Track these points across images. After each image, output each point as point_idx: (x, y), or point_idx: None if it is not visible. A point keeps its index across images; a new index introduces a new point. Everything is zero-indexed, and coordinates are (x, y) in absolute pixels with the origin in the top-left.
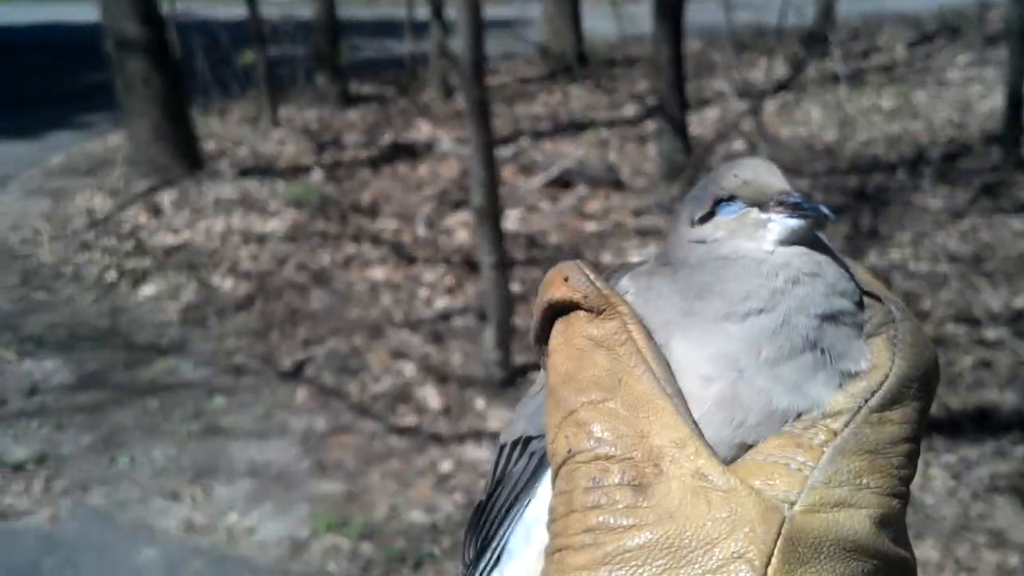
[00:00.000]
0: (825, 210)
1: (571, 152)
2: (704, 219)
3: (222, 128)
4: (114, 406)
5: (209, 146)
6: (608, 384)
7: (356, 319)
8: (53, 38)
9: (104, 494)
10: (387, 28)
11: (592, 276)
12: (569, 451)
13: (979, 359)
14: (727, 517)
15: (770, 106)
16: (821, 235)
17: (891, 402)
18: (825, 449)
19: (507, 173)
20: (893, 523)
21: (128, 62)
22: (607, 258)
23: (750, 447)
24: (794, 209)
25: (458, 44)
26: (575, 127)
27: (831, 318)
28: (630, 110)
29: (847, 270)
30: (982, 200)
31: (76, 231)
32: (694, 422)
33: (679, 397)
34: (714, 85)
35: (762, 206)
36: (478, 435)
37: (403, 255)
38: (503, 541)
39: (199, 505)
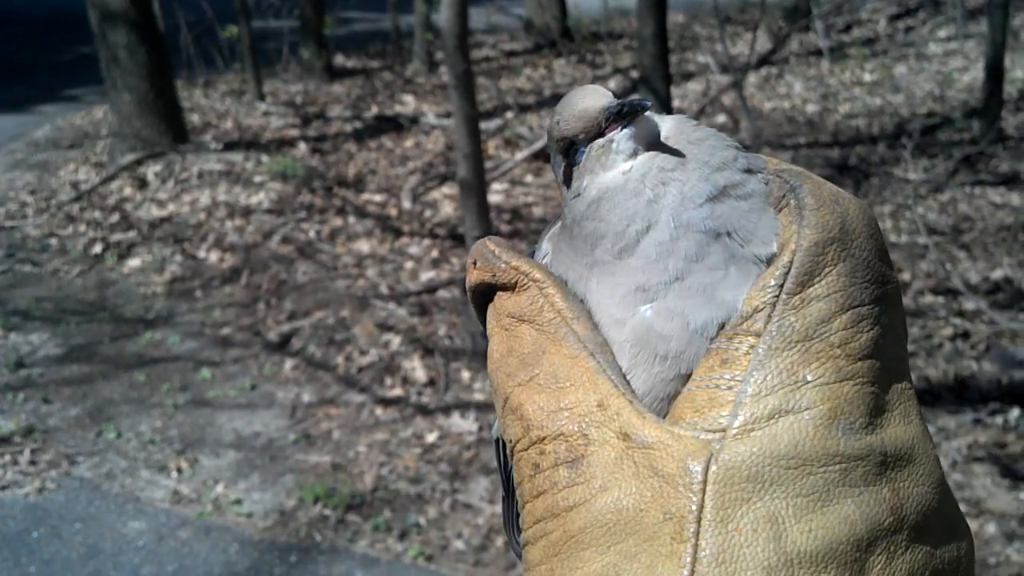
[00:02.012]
0: (637, 100)
1: None
2: (567, 176)
3: (207, 101)
4: (101, 379)
5: (194, 119)
6: (533, 358)
7: (342, 292)
8: (36, 10)
9: (91, 466)
10: (372, 1)
11: (499, 250)
12: (511, 442)
13: (957, 330)
14: (652, 476)
15: (753, 80)
16: (686, 125)
17: (807, 276)
18: (752, 356)
19: (492, 147)
20: (854, 412)
21: (113, 35)
22: None
23: (688, 377)
24: (621, 117)
25: (442, 17)
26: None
27: (721, 196)
28: (614, 84)
29: (718, 145)
30: (961, 172)
31: (61, 204)
32: (621, 374)
33: (604, 351)
34: (698, 59)
35: (598, 134)
36: (464, 406)
37: (388, 228)
38: None
39: (186, 477)
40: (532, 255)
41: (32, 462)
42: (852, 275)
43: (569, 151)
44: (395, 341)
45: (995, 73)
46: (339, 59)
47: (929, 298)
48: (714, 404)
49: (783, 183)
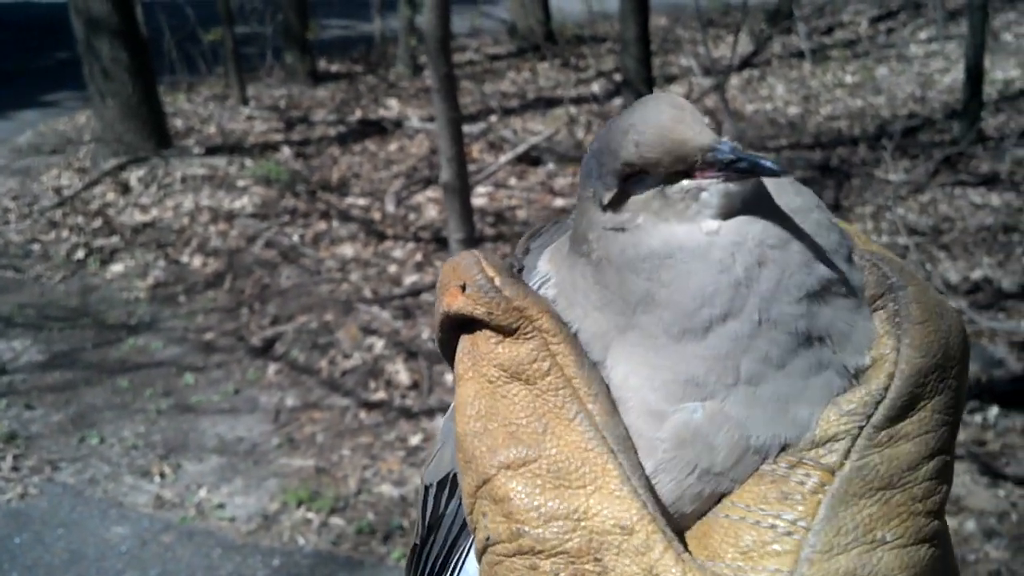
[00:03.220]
0: (767, 163)
1: (539, 129)
2: (615, 202)
3: (190, 106)
4: (84, 385)
5: (177, 124)
6: (530, 436)
7: (326, 296)
8: (16, 15)
9: (74, 472)
10: (356, 6)
11: (497, 278)
12: (488, 539)
13: None
14: None
15: (735, 82)
16: (777, 184)
17: (902, 410)
18: (821, 497)
19: (476, 150)
20: None
21: (95, 40)
22: None
23: (723, 495)
24: (728, 169)
25: (425, 19)
26: (543, 104)
27: (821, 294)
28: (598, 87)
29: (824, 222)
30: (942, 173)
31: (44, 209)
32: (646, 483)
33: (626, 447)
34: (680, 61)
35: (685, 172)
36: (447, 409)
37: (372, 232)
38: None
39: (169, 482)
40: (519, 272)
41: (15, 468)
42: (946, 412)
43: (631, 177)
44: (379, 345)
45: (975, 74)
46: (323, 63)
47: None
48: (767, 551)
49: (881, 278)
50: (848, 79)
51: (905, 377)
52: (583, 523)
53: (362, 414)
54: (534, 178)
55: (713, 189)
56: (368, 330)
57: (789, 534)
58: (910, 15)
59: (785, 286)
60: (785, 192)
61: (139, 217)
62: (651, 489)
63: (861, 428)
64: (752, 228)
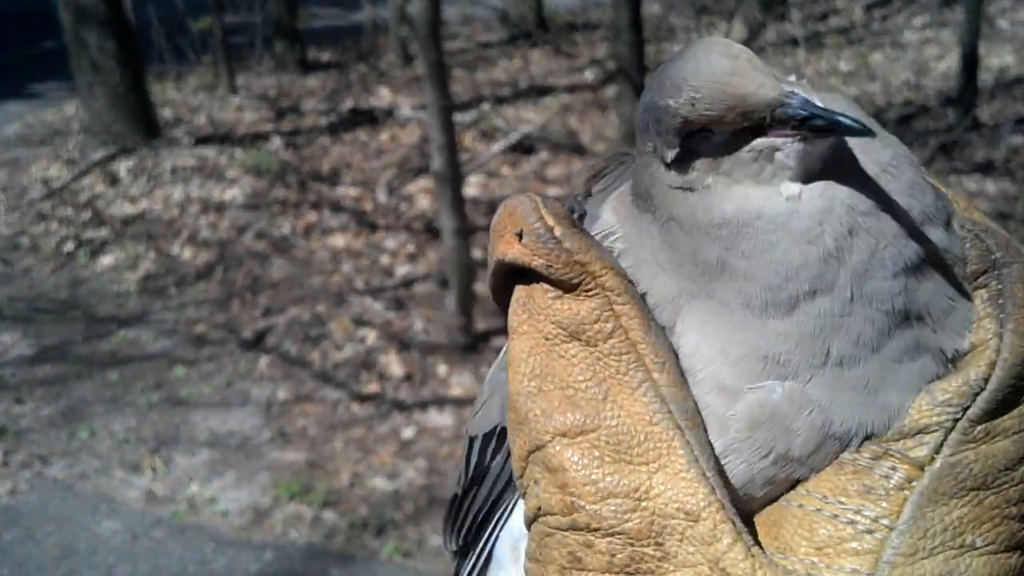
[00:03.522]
0: (848, 120)
1: (532, 118)
2: (680, 161)
3: (179, 96)
4: (74, 378)
5: (166, 114)
6: (589, 402)
7: (317, 287)
8: (2, 6)
9: (64, 466)
10: None
11: (558, 228)
12: (539, 508)
13: None
14: None
15: None
16: (853, 146)
17: (1003, 404)
18: (907, 493)
19: (468, 139)
20: None
21: (83, 29)
22: None
23: (797, 481)
24: (803, 127)
25: (414, 6)
26: (536, 92)
27: (920, 267)
28: (590, 75)
29: (918, 182)
30: (937, 161)
31: (32, 201)
32: (715, 463)
33: (694, 423)
34: (674, 49)
35: (754, 129)
36: (441, 401)
37: (364, 222)
38: (489, 545)
39: (160, 476)
40: (580, 220)
41: (4, 463)
42: None
43: (693, 135)
44: (371, 336)
45: (970, 61)
46: (313, 52)
47: None
48: (845, 549)
49: (985, 252)
50: (843, 66)
51: (1008, 367)
52: (644, 503)
53: (355, 407)
54: (527, 167)
55: (789, 149)
56: (360, 321)
57: (870, 532)
58: (905, 1)
59: (880, 258)
60: (872, 146)
61: (128, 208)
62: (720, 471)
63: (956, 421)
64: (839, 193)
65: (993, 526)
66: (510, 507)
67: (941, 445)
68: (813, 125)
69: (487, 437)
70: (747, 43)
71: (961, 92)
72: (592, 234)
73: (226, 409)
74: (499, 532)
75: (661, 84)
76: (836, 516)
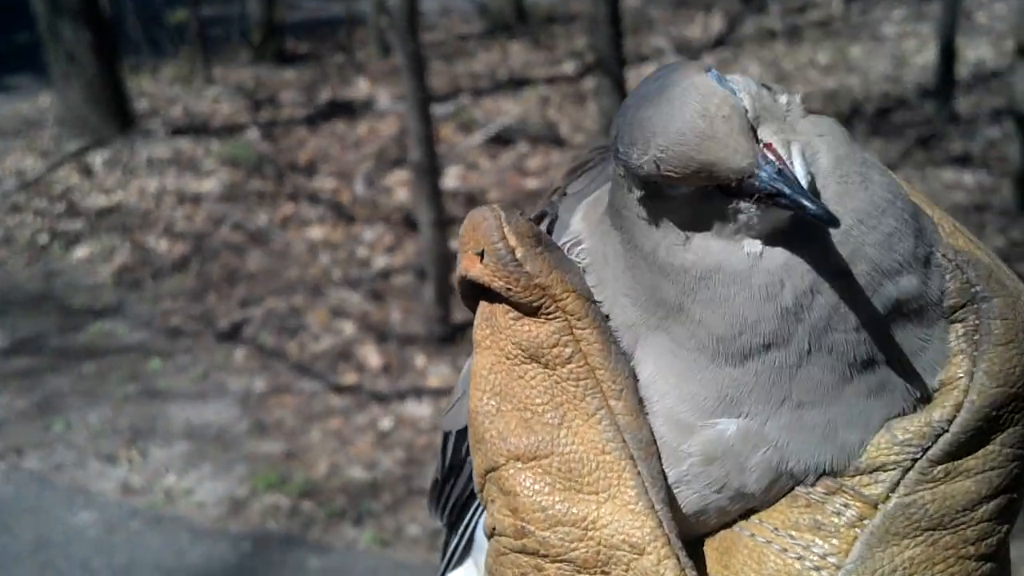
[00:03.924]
0: (815, 208)
1: (510, 109)
2: (645, 203)
3: (154, 87)
4: (49, 371)
5: (141, 105)
6: (544, 427)
7: (295, 279)
8: None
9: (39, 458)
10: None
11: (519, 249)
12: (491, 528)
13: None
14: None
15: (708, 62)
16: (849, 171)
17: (967, 444)
18: (858, 531)
19: (446, 131)
20: None
21: (57, 21)
22: None
23: (751, 511)
24: (768, 202)
25: None
26: (514, 84)
27: (890, 316)
28: (569, 67)
29: (899, 224)
30: (915, 153)
31: (6, 193)
32: (665, 494)
33: (648, 454)
34: (652, 42)
35: (721, 187)
36: (418, 392)
37: (341, 214)
38: (470, 528)
39: (136, 467)
40: (551, 225)
41: None
42: (1018, 445)
43: (657, 183)
44: (348, 328)
45: (948, 55)
46: (290, 43)
47: None
48: None
49: (965, 285)
50: (821, 59)
51: (975, 409)
52: (591, 533)
53: (332, 398)
54: (506, 159)
55: (752, 211)
56: (338, 313)
57: (818, 569)
58: None
59: (843, 313)
60: (849, 189)
61: (103, 200)
62: (670, 503)
63: (915, 460)
64: (803, 252)
65: (947, 567)
66: None
67: (897, 484)
68: (779, 203)
69: (460, 434)
70: (725, 37)
71: (939, 85)
72: (560, 241)
73: (203, 401)
74: (479, 517)
75: (630, 126)
76: (785, 550)
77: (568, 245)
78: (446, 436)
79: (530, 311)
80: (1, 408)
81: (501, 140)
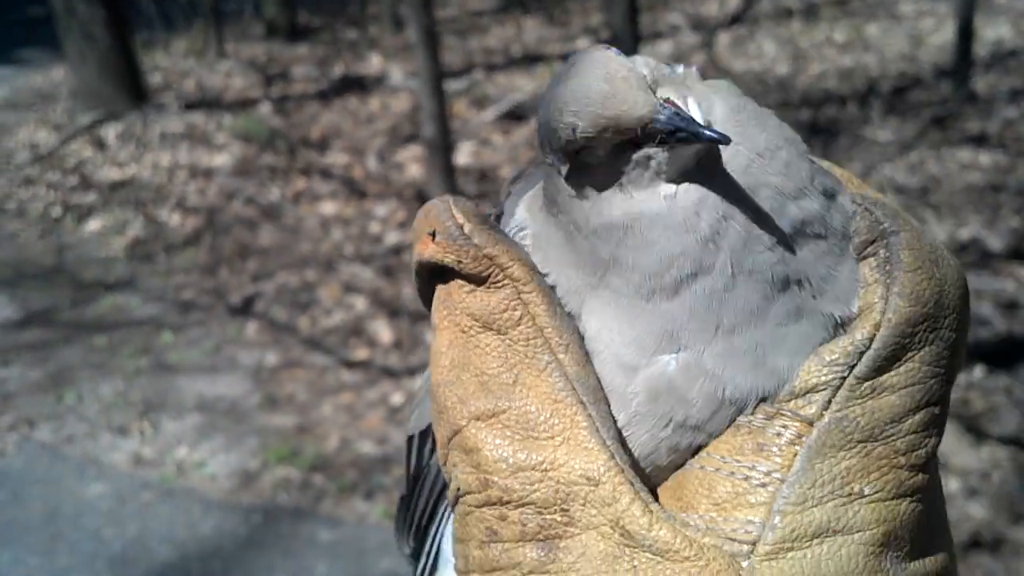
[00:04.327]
0: (708, 131)
1: (524, 86)
2: (571, 175)
3: (167, 61)
4: (61, 343)
5: (154, 79)
6: (500, 387)
7: (307, 254)
8: None
9: (51, 430)
10: None
11: (467, 225)
12: (459, 490)
13: None
14: None
15: (723, 40)
16: (746, 117)
17: (888, 361)
18: (797, 448)
19: (460, 107)
20: (906, 535)
21: None
22: None
23: (700, 447)
24: (670, 140)
25: None
26: (528, 60)
27: (795, 237)
28: (583, 43)
29: (792, 160)
30: (931, 133)
31: (20, 166)
32: (618, 435)
33: (597, 398)
34: (667, 18)
35: (630, 142)
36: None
37: (354, 189)
38: (435, 543)
39: (148, 439)
40: (497, 218)
41: None
42: (936, 363)
43: (579, 152)
44: (360, 303)
45: (965, 34)
46: (303, 17)
47: None
48: (740, 503)
49: (873, 223)
50: (837, 37)
51: (892, 326)
52: (550, 473)
53: (343, 372)
54: (518, 135)
55: (661, 156)
56: (349, 288)
57: (763, 485)
58: None
59: (755, 235)
60: (747, 131)
61: (116, 174)
62: (622, 441)
63: (843, 379)
64: (712, 185)
65: (881, 475)
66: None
67: (829, 402)
68: (678, 137)
69: (423, 435)
70: (743, 13)
71: (956, 64)
72: (507, 230)
73: (214, 374)
74: (443, 528)
75: (547, 105)
76: (733, 473)
77: (514, 232)
78: (409, 442)
79: (480, 281)
80: (13, 380)
81: (514, 116)
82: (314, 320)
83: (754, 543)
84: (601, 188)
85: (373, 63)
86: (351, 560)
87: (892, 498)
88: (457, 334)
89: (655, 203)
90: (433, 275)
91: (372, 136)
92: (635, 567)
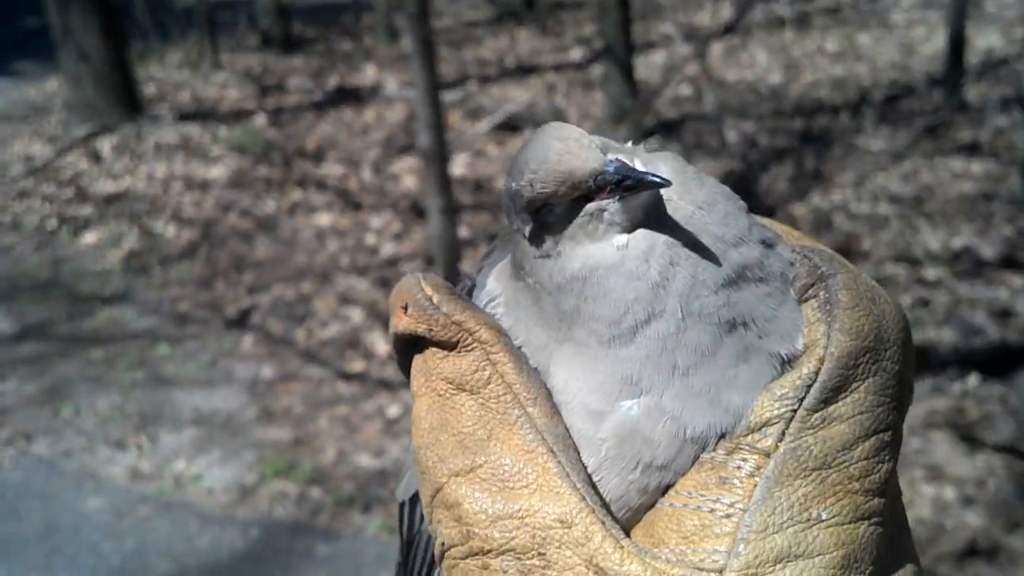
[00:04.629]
0: (652, 176)
1: (518, 96)
2: (534, 235)
3: (162, 72)
4: (57, 356)
5: (149, 90)
6: (476, 443)
7: (302, 266)
8: None
9: (48, 444)
10: None
11: (435, 296)
12: (443, 544)
13: (918, 298)
14: None
15: (716, 49)
16: (687, 178)
17: (834, 392)
18: (757, 479)
19: (454, 118)
20: (867, 557)
21: (66, 6)
22: None
23: (669, 487)
24: (619, 189)
25: None
26: (522, 71)
27: (737, 281)
28: (577, 54)
29: (731, 211)
30: (923, 142)
31: (15, 178)
32: (588, 479)
33: (566, 447)
34: (660, 28)
35: (585, 197)
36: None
37: (349, 201)
38: None
39: (145, 453)
40: (470, 291)
41: None
42: (881, 393)
43: (540, 210)
44: (356, 315)
45: (957, 42)
46: (298, 28)
47: (890, 267)
48: (707, 534)
49: (812, 268)
50: (830, 47)
51: (835, 359)
52: (526, 520)
53: (340, 385)
54: (513, 146)
55: (612, 207)
56: (345, 300)
57: (728, 516)
58: None
59: (701, 280)
60: (689, 189)
61: (111, 186)
62: (592, 485)
63: (794, 411)
64: (659, 234)
65: (836, 500)
66: None
67: (783, 434)
68: (625, 185)
69: (413, 500)
70: (735, 23)
71: (948, 73)
72: (479, 301)
73: (211, 387)
74: None
75: (511, 171)
76: (699, 508)
77: (485, 301)
78: (401, 508)
79: (451, 346)
80: (10, 394)
81: (509, 127)
82: (310, 332)
83: (721, 571)
84: (561, 244)
85: (368, 74)
86: (349, 573)
87: (850, 522)
88: (434, 398)
89: (610, 254)
90: (409, 346)
91: (367, 147)
92: None
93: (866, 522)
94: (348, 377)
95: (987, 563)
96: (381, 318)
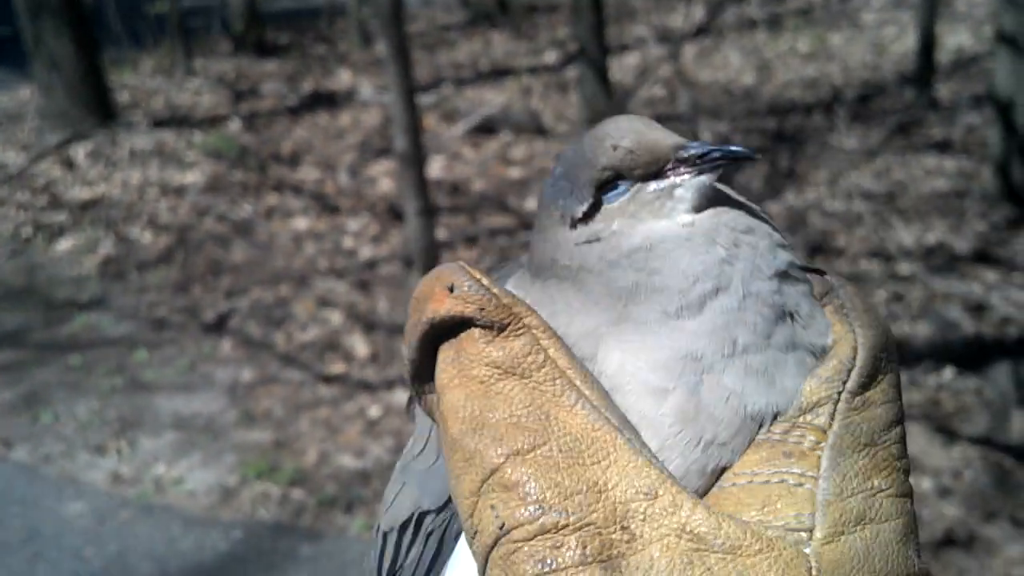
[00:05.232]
0: (739, 149)
1: (493, 99)
2: (589, 214)
3: (135, 79)
4: (35, 363)
5: (123, 97)
6: (534, 424)
7: (280, 269)
8: None
9: (28, 450)
10: None
11: (484, 279)
12: (502, 527)
13: (892, 293)
14: None
15: (689, 51)
16: (726, 189)
17: (870, 379)
18: (819, 452)
19: (430, 121)
20: (915, 528)
21: (38, 13)
22: (532, 204)
23: (723, 470)
24: (702, 162)
25: None
26: (497, 74)
27: (784, 276)
28: (551, 56)
29: (770, 222)
30: (895, 139)
31: None
32: (654, 456)
33: (627, 425)
34: (634, 31)
35: (658, 173)
36: (406, 382)
37: (326, 205)
38: None
39: (125, 458)
40: None
41: None
42: (897, 387)
43: (606, 185)
44: (335, 317)
45: (927, 41)
46: (271, 34)
47: (865, 263)
48: (786, 501)
49: (823, 281)
50: (801, 47)
51: (868, 348)
52: (605, 494)
53: (320, 387)
54: (489, 148)
55: (687, 184)
56: (324, 302)
57: (800, 484)
58: None
59: (758, 265)
60: (745, 204)
61: (86, 193)
62: (663, 466)
63: (839, 393)
64: (723, 217)
65: (888, 474)
66: None
67: (834, 413)
68: (710, 158)
69: (403, 527)
70: (708, 25)
71: (919, 72)
72: None
73: (190, 391)
74: None
75: (580, 147)
76: (768, 481)
77: None
78: (384, 539)
79: (500, 329)
80: None
81: (484, 129)
82: (289, 335)
83: (809, 531)
84: (617, 223)
85: (342, 78)
86: (332, 573)
87: (899, 496)
88: (475, 386)
89: (676, 229)
90: (440, 336)
91: (343, 151)
92: (709, 568)
93: (908, 500)
94: (328, 379)
95: (964, 553)
96: (360, 320)
